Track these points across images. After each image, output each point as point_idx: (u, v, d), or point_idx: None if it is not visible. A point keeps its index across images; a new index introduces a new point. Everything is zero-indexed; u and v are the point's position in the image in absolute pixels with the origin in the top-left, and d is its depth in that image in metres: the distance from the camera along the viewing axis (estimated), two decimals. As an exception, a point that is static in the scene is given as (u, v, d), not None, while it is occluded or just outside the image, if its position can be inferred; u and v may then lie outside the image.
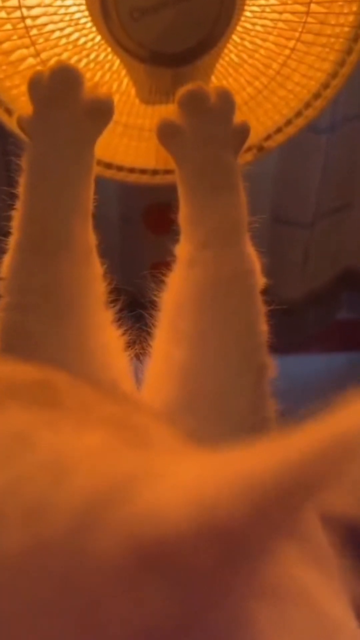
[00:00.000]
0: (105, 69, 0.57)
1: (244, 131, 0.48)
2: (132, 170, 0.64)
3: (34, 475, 0.17)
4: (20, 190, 0.45)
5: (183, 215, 0.46)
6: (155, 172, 0.64)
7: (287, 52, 0.57)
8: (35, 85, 0.46)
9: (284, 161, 0.96)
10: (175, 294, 0.43)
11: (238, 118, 0.50)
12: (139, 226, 0.81)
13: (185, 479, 0.17)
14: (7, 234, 0.45)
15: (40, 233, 0.43)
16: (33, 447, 0.19)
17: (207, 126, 0.46)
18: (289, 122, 0.61)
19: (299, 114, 0.60)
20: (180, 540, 0.15)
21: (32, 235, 0.43)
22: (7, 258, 0.44)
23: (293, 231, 1.06)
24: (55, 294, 0.41)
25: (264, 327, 0.42)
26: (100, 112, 0.46)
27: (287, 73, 0.57)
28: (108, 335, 0.43)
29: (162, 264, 0.85)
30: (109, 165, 0.62)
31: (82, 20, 0.53)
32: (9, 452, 0.18)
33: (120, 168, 0.63)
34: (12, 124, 0.51)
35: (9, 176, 0.48)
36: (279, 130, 0.61)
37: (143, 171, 0.64)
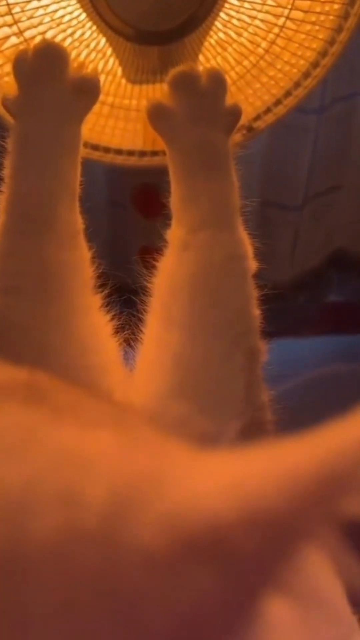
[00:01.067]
0: (90, 48, 0.56)
1: (235, 113, 0.47)
2: (119, 152, 0.63)
3: (57, 467, 0.17)
4: (6, 172, 0.44)
5: (174, 199, 0.45)
6: (142, 153, 0.63)
7: (275, 30, 0.56)
8: (20, 65, 0.44)
9: (273, 143, 0.95)
10: (167, 278, 0.42)
11: (227, 99, 0.49)
12: (128, 209, 0.80)
13: (220, 473, 0.17)
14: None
15: (26, 215, 0.42)
16: (45, 442, 0.18)
17: (198, 107, 0.46)
18: (278, 102, 0.60)
19: (288, 93, 0.59)
20: (228, 529, 0.15)
21: (17, 218, 0.43)
22: None
23: (283, 214, 1.05)
24: (42, 277, 0.41)
25: (256, 311, 0.41)
26: (87, 90, 0.45)
27: (276, 52, 0.56)
28: (96, 319, 0.42)
29: (151, 248, 0.84)
30: (95, 147, 0.61)
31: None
32: (22, 446, 0.18)
33: (107, 150, 0.62)
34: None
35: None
36: (268, 110, 0.60)
37: (130, 153, 0.63)
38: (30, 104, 0.44)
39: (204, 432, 0.36)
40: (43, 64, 0.44)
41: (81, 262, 0.43)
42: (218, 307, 0.40)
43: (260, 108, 0.61)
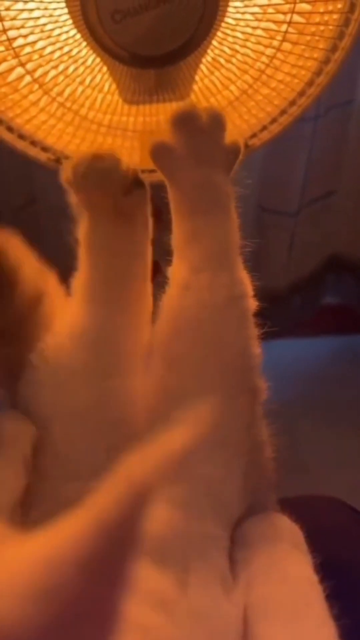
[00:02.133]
0: (86, 65, 0.56)
1: (234, 151, 0.48)
2: (116, 170, 0.63)
3: None
4: (80, 261, 0.46)
5: (175, 236, 0.46)
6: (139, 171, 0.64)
7: (272, 49, 0.56)
8: (73, 185, 0.46)
9: (270, 150, 0.95)
10: (169, 317, 0.43)
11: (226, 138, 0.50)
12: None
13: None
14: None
15: (103, 289, 0.46)
16: None
17: (199, 146, 0.46)
18: (273, 121, 0.60)
19: (283, 112, 0.60)
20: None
21: (94, 290, 0.46)
22: (65, 315, 0.46)
23: (278, 220, 1.06)
24: (109, 338, 0.44)
25: (256, 350, 0.42)
26: (134, 206, 0.47)
27: (271, 71, 0.57)
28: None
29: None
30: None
31: (63, 19, 0.52)
32: None
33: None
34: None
35: None
36: (263, 128, 0.61)
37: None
38: (91, 211, 0.46)
39: (205, 477, 0.37)
40: (93, 186, 0.46)
41: (140, 339, 0.46)
42: (219, 350, 0.41)
43: (256, 126, 0.61)
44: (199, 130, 0.46)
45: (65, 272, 0.49)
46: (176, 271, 0.44)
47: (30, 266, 0.50)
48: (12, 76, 0.55)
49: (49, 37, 0.54)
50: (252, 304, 0.43)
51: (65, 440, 0.40)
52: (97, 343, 0.43)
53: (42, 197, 0.99)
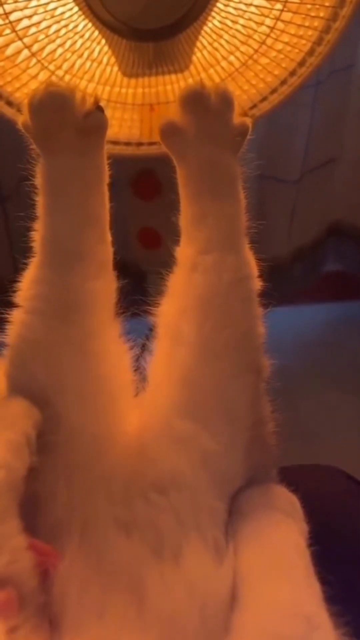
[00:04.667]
0: (85, 38, 0.56)
1: (243, 131, 0.47)
2: (116, 143, 0.63)
3: None
4: (38, 210, 0.45)
5: (183, 217, 0.46)
6: (139, 143, 0.64)
7: (272, 19, 0.56)
8: (27, 126, 0.45)
9: (270, 118, 0.94)
10: (177, 298, 0.44)
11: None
12: (127, 192, 0.81)
13: None
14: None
15: (57, 251, 0.44)
16: None
17: (208, 125, 0.46)
18: (274, 91, 0.60)
19: (283, 82, 0.59)
20: None
21: (49, 253, 0.44)
22: (28, 272, 0.45)
23: (280, 188, 1.05)
24: (65, 303, 0.43)
25: (261, 329, 0.43)
26: (95, 128, 0.46)
27: (271, 41, 0.56)
28: (113, 346, 0.44)
29: (149, 229, 0.85)
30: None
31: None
32: None
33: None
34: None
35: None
36: (264, 99, 0.61)
37: (127, 143, 0.64)
38: (46, 146, 0.45)
39: (207, 449, 0.38)
40: (49, 111, 0.44)
41: (105, 290, 0.45)
42: (226, 329, 0.41)
43: (256, 97, 0.61)
44: (208, 110, 0.46)
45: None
46: (184, 252, 0.45)
47: None
48: (10, 50, 0.55)
49: (46, 11, 0.53)
50: (257, 285, 0.44)
51: (72, 412, 0.41)
52: (61, 313, 0.43)
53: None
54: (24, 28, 0.54)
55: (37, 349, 0.42)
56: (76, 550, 0.35)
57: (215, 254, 0.43)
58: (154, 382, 0.43)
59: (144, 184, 0.76)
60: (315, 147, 1.03)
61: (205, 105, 0.46)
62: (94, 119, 0.45)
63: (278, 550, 0.35)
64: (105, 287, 0.45)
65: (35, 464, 0.38)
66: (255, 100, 0.61)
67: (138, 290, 0.91)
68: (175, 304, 0.43)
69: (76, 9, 0.53)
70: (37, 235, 0.45)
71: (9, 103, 0.59)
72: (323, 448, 1.16)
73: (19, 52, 0.55)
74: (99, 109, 0.46)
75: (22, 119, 0.46)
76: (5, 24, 0.53)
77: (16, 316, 0.43)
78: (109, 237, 0.47)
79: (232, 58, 0.58)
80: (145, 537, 0.35)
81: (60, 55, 0.57)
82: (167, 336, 0.43)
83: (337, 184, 1.12)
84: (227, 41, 0.57)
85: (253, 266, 0.45)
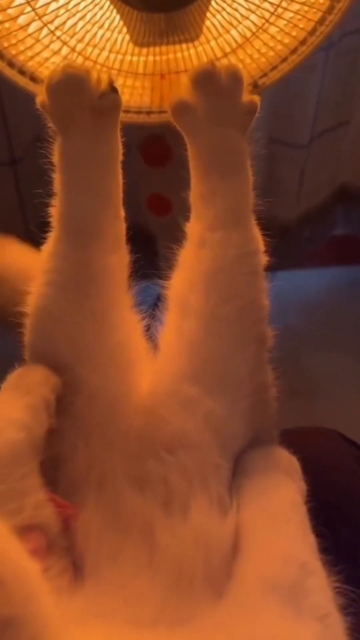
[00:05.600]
0: (96, 3, 0.56)
1: (252, 110, 0.49)
2: (127, 111, 0.64)
3: None
4: (55, 187, 0.47)
5: (193, 194, 0.48)
6: (150, 111, 0.65)
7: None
8: (45, 106, 0.47)
9: (281, 81, 0.94)
10: (186, 272, 0.46)
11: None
12: (136, 158, 0.82)
13: None
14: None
15: (74, 227, 0.46)
16: None
17: (218, 104, 0.47)
18: (284, 60, 0.60)
19: (293, 52, 0.60)
20: None
21: (66, 229, 0.46)
22: (47, 246, 0.47)
23: (290, 152, 1.06)
24: (82, 276, 0.45)
25: (265, 302, 0.45)
26: (109, 108, 0.47)
27: (281, 10, 0.57)
28: (126, 316, 0.47)
29: (158, 195, 0.86)
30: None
31: None
32: None
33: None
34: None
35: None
36: (273, 68, 0.61)
37: (138, 111, 0.64)
38: (63, 126, 0.47)
39: (211, 412, 0.41)
40: (66, 92, 0.46)
41: (119, 265, 0.47)
42: (231, 301, 0.44)
43: (266, 65, 0.61)
44: (219, 90, 0.47)
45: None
46: (193, 228, 0.47)
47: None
48: (22, 19, 0.56)
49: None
50: (263, 259, 0.46)
51: (90, 377, 0.43)
52: (77, 285, 0.45)
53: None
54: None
55: (56, 319, 0.45)
56: (94, 503, 0.38)
57: (222, 231, 0.45)
58: (164, 350, 0.45)
59: (153, 151, 0.77)
60: (325, 111, 1.03)
61: (216, 85, 0.47)
62: (108, 100, 0.47)
63: (277, 506, 0.38)
64: (119, 261, 0.47)
65: (54, 425, 0.41)
66: (266, 69, 0.62)
67: (149, 253, 0.92)
68: (184, 277, 0.45)
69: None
70: (55, 211, 0.47)
71: (22, 72, 0.60)
72: (325, 407, 1.20)
73: (31, 21, 0.56)
74: (113, 90, 0.47)
75: (40, 99, 0.48)
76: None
77: (36, 287, 0.46)
78: (122, 214, 0.49)
79: (241, 27, 0.59)
80: (156, 492, 0.38)
81: (71, 24, 0.58)
82: (176, 308, 0.45)
83: (347, 147, 1.12)
84: (236, 9, 0.57)
85: (259, 242, 0.46)
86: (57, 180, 0.48)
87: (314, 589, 0.32)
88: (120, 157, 0.49)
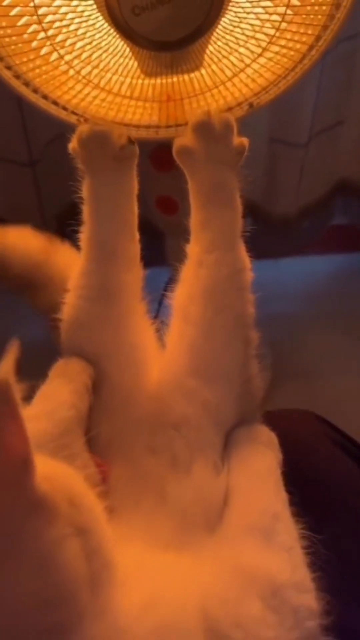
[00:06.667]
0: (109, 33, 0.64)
1: (241, 150, 0.59)
2: (138, 127, 0.72)
3: None
4: (84, 216, 0.59)
5: (193, 221, 0.58)
6: (158, 127, 0.73)
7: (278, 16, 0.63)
8: (75, 152, 0.59)
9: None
10: (187, 287, 0.56)
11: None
12: (146, 164, 0.90)
13: None
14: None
15: (97, 248, 0.58)
16: None
17: (212, 148, 0.58)
18: (276, 84, 0.68)
19: (291, 70, 0.67)
20: None
21: (92, 249, 0.58)
22: (77, 263, 0.59)
23: (289, 151, 1.12)
24: (106, 289, 0.56)
25: (251, 310, 0.55)
26: (127, 157, 0.59)
27: (274, 38, 0.64)
28: (140, 322, 0.57)
29: (165, 197, 0.94)
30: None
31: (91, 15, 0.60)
32: None
33: (128, 125, 0.72)
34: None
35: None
36: (267, 91, 0.69)
37: (148, 127, 0.73)
38: (89, 167, 0.58)
39: (208, 400, 0.51)
40: (93, 144, 0.58)
41: (134, 280, 0.58)
42: (224, 311, 0.54)
43: (260, 87, 0.69)
44: (213, 136, 0.58)
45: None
46: (193, 250, 0.57)
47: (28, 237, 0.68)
48: (36, 44, 0.64)
49: (75, 12, 0.61)
50: (250, 276, 0.56)
51: (112, 371, 0.54)
52: (101, 298, 0.56)
53: (69, 132, 1.07)
54: (49, 22, 0.62)
55: (84, 325, 0.56)
56: (118, 466, 0.49)
57: (217, 252, 0.55)
58: (170, 349, 0.55)
59: (161, 157, 0.86)
60: (323, 112, 1.09)
61: (211, 132, 0.57)
62: (127, 151, 0.58)
63: (257, 470, 0.49)
64: (134, 277, 0.58)
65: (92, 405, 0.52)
66: (260, 90, 0.69)
67: (157, 247, 1.00)
68: (186, 291, 0.55)
69: (105, 24, 0.62)
70: (83, 237, 0.59)
71: (45, 97, 0.68)
72: (325, 389, 1.26)
73: (45, 47, 0.63)
74: (130, 142, 0.59)
75: (71, 145, 0.59)
76: (36, 23, 0.61)
77: (69, 299, 0.57)
78: (137, 237, 0.60)
79: (236, 54, 0.66)
80: (166, 457, 0.49)
81: (88, 51, 0.66)
82: (179, 316, 0.55)
83: (345, 144, 1.18)
84: (231, 40, 0.64)
85: (246, 261, 0.56)
86: (85, 211, 0.59)
87: (283, 531, 0.42)
88: (136, 191, 0.60)
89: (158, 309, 0.62)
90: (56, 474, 0.33)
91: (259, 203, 1.20)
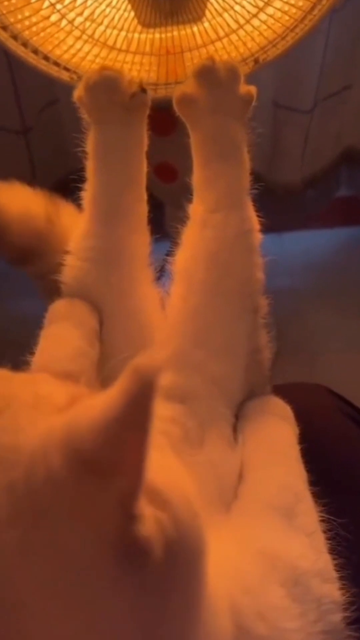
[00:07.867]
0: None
1: (248, 100, 0.53)
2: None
3: None
4: (87, 172, 0.54)
5: (196, 178, 0.53)
6: (156, 84, 0.68)
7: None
8: (81, 100, 0.53)
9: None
10: (190, 250, 0.51)
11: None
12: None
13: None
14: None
15: (103, 207, 0.53)
16: None
17: (217, 96, 0.52)
18: (284, 37, 0.63)
19: (293, 28, 0.63)
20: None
21: (97, 209, 0.53)
22: (80, 224, 0.54)
23: (294, 117, 1.08)
24: (110, 252, 0.52)
25: (260, 275, 0.50)
26: (138, 106, 0.54)
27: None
28: (147, 288, 0.53)
29: (165, 163, 0.89)
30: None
31: None
32: None
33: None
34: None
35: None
36: (274, 45, 0.64)
37: (146, 85, 0.68)
38: (96, 118, 0.53)
39: (215, 373, 0.47)
40: (101, 91, 0.52)
41: (141, 242, 0.54)
42: (230, 276, 0.49)
43: (265, 42, 0.64)
44: (218, 82, 0.52)
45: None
46: (195, 209, 0.52)
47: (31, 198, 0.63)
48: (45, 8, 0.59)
49: None
50: (258, 237, 0.51)
51: (113, 337, 0.51)
52: (105, 260, 0.52)
53: (63, 98, 1.02)
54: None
55: (87, 289, 0.52)
56: None
57: (222, 212, 0.50)
58: (172, 317, 0.50)
59: (159, 121, 0.81)
60: (329, 76, 1.05)
61: (216, 79, 0.51)
62: (138, 99, 0.53)
63: (274, 443, 0.45)
64: (141, 239, 0.54)
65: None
66: (266, 46, 0.65)
67: (156, 216, 0.96)
68: (189, 254, 0.50)
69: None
70: (87, 194, 0.54)
71: (35, 51, 0.64)
72: (327, 363, 1.24)
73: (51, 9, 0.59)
74: (143, 90, 0.54)
75: (77, 94, 0.54)
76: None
77: (71, 261, 0.53)
78: (145, 196, 0.55)
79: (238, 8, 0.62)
80: (175, 429, 0.45)
81: (81, 2, 0.61)
82: (181, 281, 0.50)
83: (351, 111, 1.14)
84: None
85: (254, 221, 0.51)
86: (89, 166, 0.54)
87: (304, 512, 0.38)
88: (145, 147, 0.55)
89: (159, 279, 0.58)
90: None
91: (262, 172, 1.15)
